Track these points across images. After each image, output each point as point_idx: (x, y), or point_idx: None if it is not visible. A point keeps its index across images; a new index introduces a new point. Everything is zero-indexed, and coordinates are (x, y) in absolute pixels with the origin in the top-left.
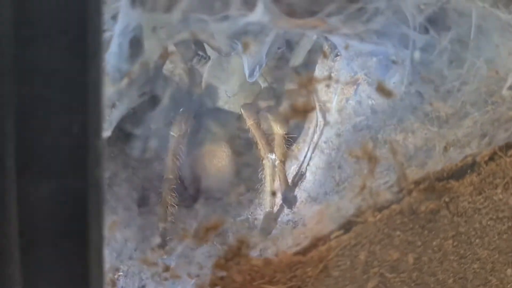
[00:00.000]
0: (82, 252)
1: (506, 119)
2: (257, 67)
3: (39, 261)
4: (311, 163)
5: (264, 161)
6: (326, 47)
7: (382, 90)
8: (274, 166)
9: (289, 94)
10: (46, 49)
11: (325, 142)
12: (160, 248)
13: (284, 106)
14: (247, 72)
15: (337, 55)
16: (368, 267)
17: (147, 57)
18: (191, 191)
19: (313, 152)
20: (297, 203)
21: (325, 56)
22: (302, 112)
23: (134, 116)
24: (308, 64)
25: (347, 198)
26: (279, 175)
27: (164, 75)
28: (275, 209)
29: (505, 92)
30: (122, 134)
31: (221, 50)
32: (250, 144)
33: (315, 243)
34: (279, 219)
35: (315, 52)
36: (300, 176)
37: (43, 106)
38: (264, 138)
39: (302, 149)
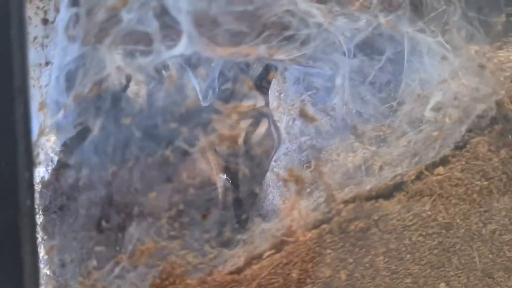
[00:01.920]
0: (17, 278)
1: (433, 139)
2: (210, 91)
3: None
4: (263, 182)
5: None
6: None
7: (305, 115)
8: (225, 187)
9: (216, 123)
10: None
11: (274, 161)
12: (97, 270)
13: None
14: (200, 96)
15: (284, 78)
16: (301, 285)
17: (79, 90)
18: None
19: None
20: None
21: (249, 88)
22: (228, 140)
23: (67, 147)
24: (235, 92)
25: (279, 218)
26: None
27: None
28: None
29: (428, 113)
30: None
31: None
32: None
33: (249, 262)
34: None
35: (241, 82)
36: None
37: None
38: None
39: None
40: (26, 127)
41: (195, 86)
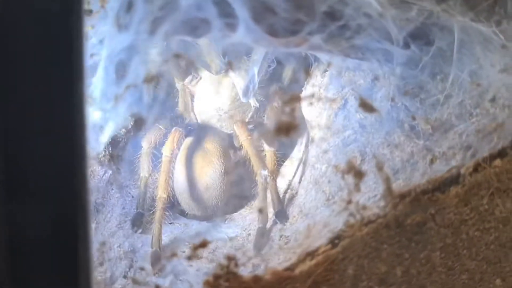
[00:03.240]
0: (71, 275)
1: (489, 131)
2: (251, 87)
3: (29, 283)
4: (302, 179)
5: (257, 177)
6: (312, 65)
7: (365, 105)
8: (266, 182)
9: (273, 112)
10: (31, 74)
11: (315, 157)
12: (152, 267)
13: (271, 123)
14: (240, 92)
15: (325, 71)
16: (356, 281)
17: (132, 80)
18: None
19: (304, 167)
20: (289, 219)
21: (308, 75)
22: (286, 131)
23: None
24: (294, 81)
25: (335, 212)
26: (271, 191)
27: (154, 96)
28: (268, 225)
29: (487, 104)
30: (115, 152)
31: (210, 68)
32: (243, 161)
33: (303, 258)
34: (272, 234)
35: (299, 71)
36: (292, 191)
37: (30, 132)
38: (257, 155)
39: (293, 164)
40: (82, 118)
41: (235, 81)
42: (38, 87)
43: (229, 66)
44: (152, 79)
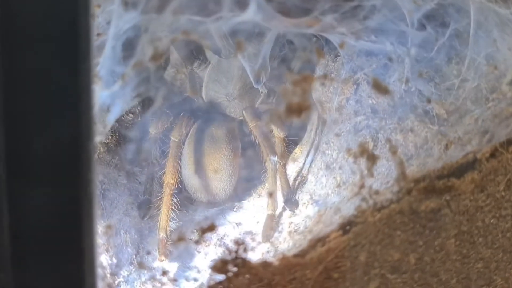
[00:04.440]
0: (75, 257)
1: (506, 115)
2: (263, 72)
3: (32, 268)
4: (312, 165)
5: (266, 164)
6: (324, 48)
7: (378, 87)
8: (276, 168)
9: (284, 94)
10: (36, 54)
11: (326, 143)
12: (158, 253)
13: (282, 107)
14: (252, 78)
15: (337, 56)
16: (368, 268)
17: (139, 58)
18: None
19: (314, 153)
20: (299, 205)
21: (320, 56)
22: (298, 112)
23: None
24: (305, 64)
25: (347, 198)
26: (280, 178)
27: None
28: (277, 211)
29: (504, 87)
30: (122, 138)
31: (219, 51)
32: (252, 147)
33: (314, 245)
34: (281, 221)
35: (311, 52)
36: (302, 178)
37: (34, 111)
38: (266, 141)
39: (303, 151)
40: (88, 96)
41: (246, 67)
42: (44, 67)
43: (239, 48)
44: (160, 57)
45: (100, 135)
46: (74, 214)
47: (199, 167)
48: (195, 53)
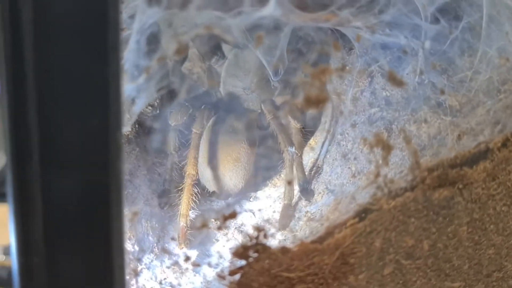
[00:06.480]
0: (104, 242)
1: None
2: (280, 65)
3: (63, 251)
4: (328, 155)
5: (284, 154)
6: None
7: (393, 79)
8: (293, 159)
9: (302, 86)
10: (67, 45)
11: (341, 134)
12: (178, 242)
13: (299, 99)
14: (270, 71)
15: (351, 49)
16: (383, 254)
17: (163, 52)
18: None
19: (329, 144)
20: (315, 195)
21: (337, 49)
22: (316, 103)
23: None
24: (321, 56)
25: (362, 187)
26: (297, 168)
27: (182, 73)
28: (293, 201)
29: None
30: (142, 129)
31: (238, 44)
32: (270, 139)
33: (331, 231)
34: (297, 211)
35: (327, 45)
36: (317, 168)
37: (65, 101)
38: (284, 132)
39: (319, 141)
40: (117, 85)
41: (263, 60)
42: (75, 57)
43: (259, 42)
44: (184, 51)
45: (125, 126)
46: (103, 199)
47: (213, 159)
48: (213, 48)
